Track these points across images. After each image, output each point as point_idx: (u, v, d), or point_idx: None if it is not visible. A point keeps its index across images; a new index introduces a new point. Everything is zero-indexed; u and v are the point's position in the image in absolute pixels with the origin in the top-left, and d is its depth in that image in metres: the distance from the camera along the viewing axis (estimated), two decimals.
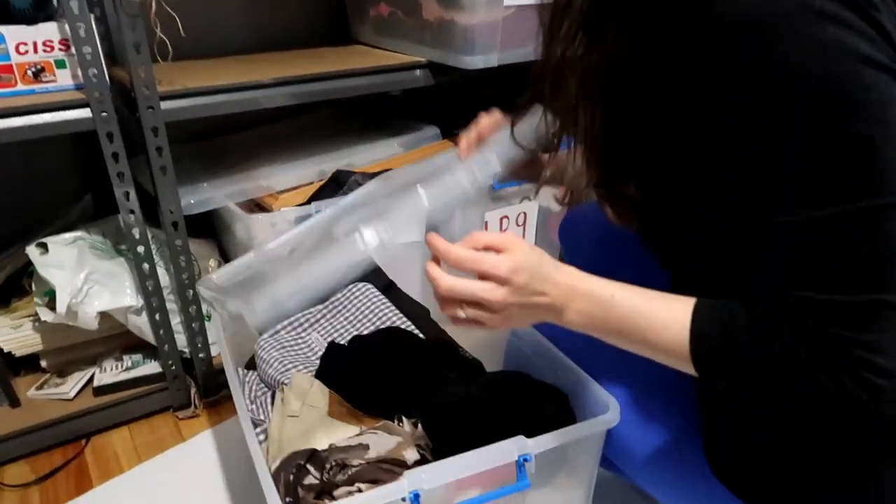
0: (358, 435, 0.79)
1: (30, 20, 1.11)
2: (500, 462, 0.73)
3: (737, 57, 0.50)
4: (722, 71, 0.52)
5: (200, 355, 1.38)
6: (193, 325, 1.35)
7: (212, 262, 1.50)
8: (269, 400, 0.94)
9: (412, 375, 0.90)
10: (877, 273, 0.50)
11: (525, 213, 1.62)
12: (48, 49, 1.13)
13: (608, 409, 0.79)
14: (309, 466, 0.73)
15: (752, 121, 0.52)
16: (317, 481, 0.72)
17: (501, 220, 1.59)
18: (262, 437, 0.85)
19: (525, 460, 0.74)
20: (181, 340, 1.38)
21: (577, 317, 0.64)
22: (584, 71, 0.60)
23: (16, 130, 1.08)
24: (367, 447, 0.76)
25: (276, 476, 0.72)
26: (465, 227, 1.57)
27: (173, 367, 1.36)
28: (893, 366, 0.50)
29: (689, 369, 0.59)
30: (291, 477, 0.71)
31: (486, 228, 1.59)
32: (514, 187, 1.57)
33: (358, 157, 1.51)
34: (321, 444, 0.79)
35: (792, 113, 0.50)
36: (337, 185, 1.39)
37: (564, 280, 0.64)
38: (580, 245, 1.10)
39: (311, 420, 0.83)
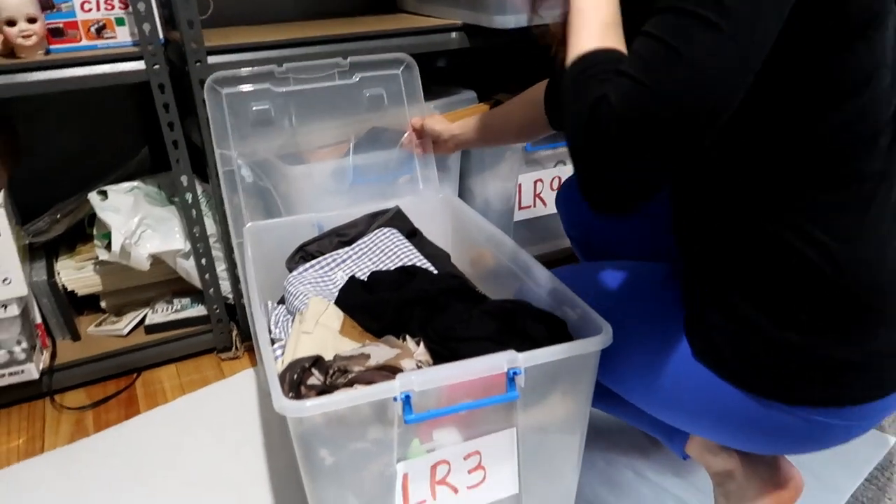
0: (361, 346, 0.85)
1: None
2: (490, 372, 0.77)
3: None
4: None
5: (242, 300, 1.47)
6: (236, 271, 1.44)
7: None
8: (290, 324, 1.01)
9: (421, 302, 0.95)
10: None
11: (559, 177, 1.64)
12: (109, 7, 1.23)
13: (601, 331, 0.82)
14: (313, 370, 0.79)
15: None
16: (319, 383, 0.78)
17: (535, 182, 1.62)
18: (279, 352, 0.92)
19: (515, 373, 0.78)
20: (225, 287, 1.48)
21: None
22: None
23: (79, 79, 1.19)
24: (368, 356, 0.81)
25: (281, 376, 0.78)
26: (497, 191, 1.61)
27: (217, 311, 1.46)
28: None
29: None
30: (296, 377, 0.78)
31: (520, 192, 1.62)
32: (549, 150, 1.60)
33: (387, 118, 1.56)
34: (329, 357, 0.85)
35: None
36: (372, 141, 1.45)
37: None
38: (579, 213, 1.14)
39: (323, 337, 0.89)
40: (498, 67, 1.85)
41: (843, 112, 0.64)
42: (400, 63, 1.35)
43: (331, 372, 0.79)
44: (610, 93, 0.58)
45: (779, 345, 0.72)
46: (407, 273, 1.05)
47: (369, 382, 0.76)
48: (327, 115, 1.37)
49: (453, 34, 1.45)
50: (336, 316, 0.93)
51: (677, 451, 1.00)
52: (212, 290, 1.44)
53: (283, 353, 0.91)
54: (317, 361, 0.80)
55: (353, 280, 1.05)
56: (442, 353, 0.85)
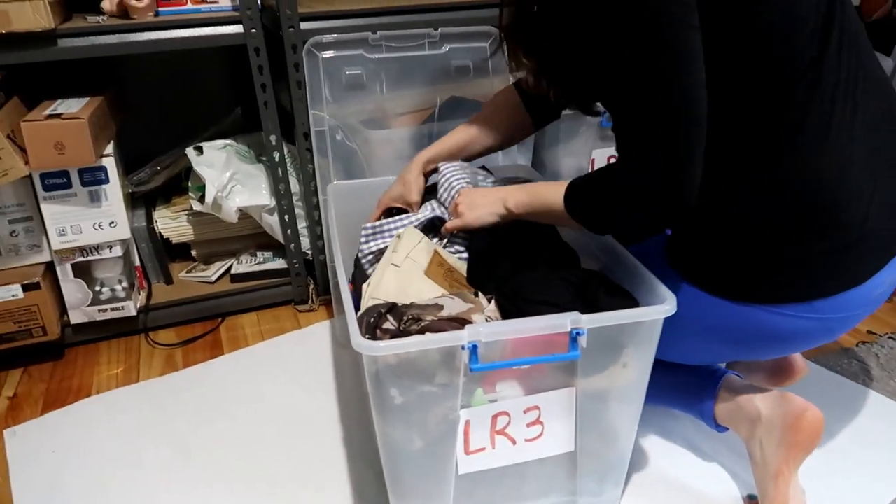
0: (437, 297, 0.90)
1: None
2: (553, 330, 0.81)
3: None
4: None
5: (320, 257, 1.55)
6: (317, 229, 1.52)
7: None
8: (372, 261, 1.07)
9: (508, 253, 0.98)
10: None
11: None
12: None
13: (665, 301, 0.84)
14: (388, 315, 0.85)
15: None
16: (393, 328, 0.84)
17: (608, 158, 1.63)
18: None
19: (578, 334, 0.81)
20: (305, 243, 1.56)
21: (515, 199, 0.94)
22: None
23: (183, 40, 1.28)
24: (441, 307, 0.87)
25: (359, 319, 0.84)
26: (570, 166, 1.63)
27: (296, 265, 1.55)
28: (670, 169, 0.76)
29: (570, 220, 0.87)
30: (372, 320, 0.84)
31: (593, 166, 1.63)
32: None
33: (470, 88, 1.59)
34: (409, 299, 0.90)
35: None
36: (454, 109, 1.49)
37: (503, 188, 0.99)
38: None
39: (408, 274, 0.94)
40: None
41: (767, 60, 0.77)
42: (488, 36, 1.38)
43: (405, 318, 0.85)
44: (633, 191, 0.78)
45: (740, 246, 0.84)
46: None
47: (440, 331, 0.82)
48: (414, 82, 1.42)
49: None
50: (426, 251, 0.98)
51: (710, 424, 1.03)
52: (292, 246, 1.52)
53: (369, 279, 0.97)
54: (392, 308, 0.86)
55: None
56: (511, 311, 0.90)
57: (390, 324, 0.84)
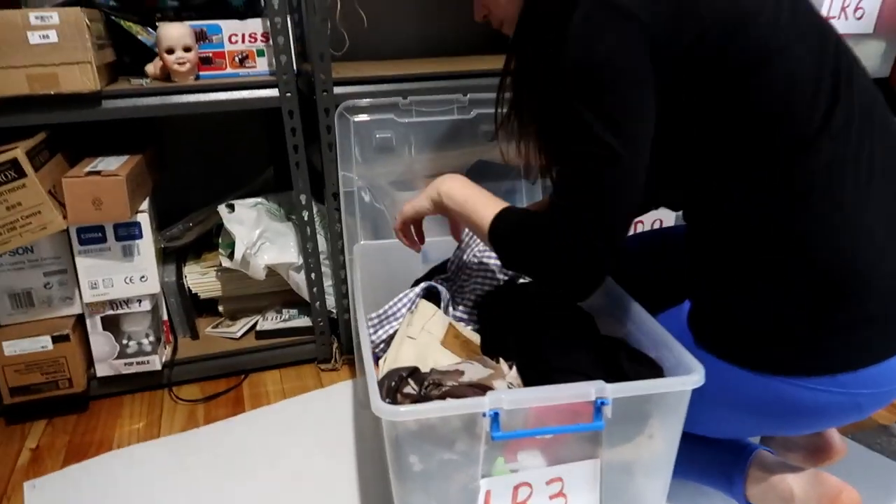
0: (457, 363, 0.89)
1: (241, 15, 1.36)
2: (577, 399, 0.79)
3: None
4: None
5: (345, 316, 1.55)
6: (342, 288, 1.53)
7: None
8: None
9: (526, 321, 0.98)
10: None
11: (661, 220, 1.64)
12: (252, 40, 1.37)
13: (692, 371, 0.82)
14: (409, 380, 0.84)
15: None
16: (414, 392, 0.83)
17: (636, 224, 1.63)
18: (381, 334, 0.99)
19: (602, 403, 0.79)
20: (330, 302, 1.57)
21: (449, 186, 0.97)
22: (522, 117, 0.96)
23: (222, 103, 1.32)
24: (462, 373, 0.86)
25: (380, 382, 0.84)
26: None
27: (321, 323, 1.55)
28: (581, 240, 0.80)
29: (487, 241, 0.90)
30: (393, 384, 0.83)
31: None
32: None
33: (498, 152, 1.62)
34: (427, 368, 0.90)
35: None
36: (481, 172, 1.51)
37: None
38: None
39: (425, 345, 0.94)
40: None
41: (769, 130, 0.79)
42: None
43: (426, 383, 0.84)
44: (554, 239, 0.81)
45: (760, 318, 0.83)
46: (519, 288, 1.08)
47: (461, 397, 0.81)
48: (443, 145, 1.45)
49: None
50: (441, 323, 0.99)
51: (741, 502, 0.99)
52: (318, 304, 1.53)
53: (386, 352, 0.97)
54: (413, 372, 0.86)
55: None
56: (533, 378, 0.88)
57: (411, 388, 0.84)
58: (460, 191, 0.97)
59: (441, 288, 1.07)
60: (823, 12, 1.51)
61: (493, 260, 1.15)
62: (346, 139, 1.36)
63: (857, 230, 0.79)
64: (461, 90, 1.42)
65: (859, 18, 1.53)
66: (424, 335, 0.95)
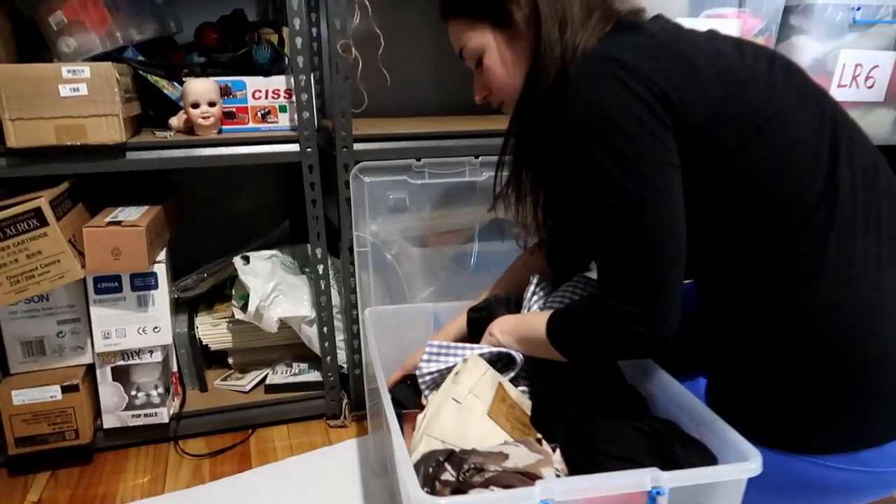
0: (501, 444, 0.85)
1: (266, 72, 1.39)
2: (632, 488, 0.75)
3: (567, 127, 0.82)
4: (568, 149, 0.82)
5: (356, 371, 1.54)
6: (354, 342, 1.51)
7: None
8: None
9: (573, 396, 0.94)
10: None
11: None
12: (276, 96, 1.40)
13: (749, 458, 0.78)
14: (447, 464, 0.79)
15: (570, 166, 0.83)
16: (452, 478, 0.78)
17: None
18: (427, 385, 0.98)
19: (658, 493, 0.75)
20: (341, 357, 1.55)
21: (500, 329, 0.99)
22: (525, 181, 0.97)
23: (244, 157, 1.34)
24: (506, 456, 0.81)
25: (416, 467, 0.79)
26: None
27: (332, 379, 1.53)
28: (640, 316, 0.79)
29: (552, 350, 0.90)
30: (431, 470, 0.78)
31: None
32: None
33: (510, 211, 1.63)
34: (468, 443, 0.85)
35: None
36: (489, 230, 1.52)
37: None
38: None
39: (469, 412, 0.89)
40: None
41: (768, 210, 0.78)
42: None
43: (465, 468, 0.80)
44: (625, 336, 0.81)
45: (775, 395, 0.81)
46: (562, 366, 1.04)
47: (507, 486, 0.76)
48: (455, 204, 1.46)
49: None
50: (491, 385, 0.94)
51: None
52: (329, 358, 1.52)
53: (425, 411, 0.94)
54: (450, 456, 0.82)
55: None
56: (580, 464, 0.85)
57: (449, 474, 0.79)
58: (510, 324, 0.99)
59: (519, 358, 1.01)
60: (835, 81, 1.54)
61: None
62: (360, 200, 1.36)
63: (868, 299, 0.77)
64: (474, 149, 1.43)
65: (870, 87, 1.56)
66: (471, 399, 0.91)
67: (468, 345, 1.03)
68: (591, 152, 0.78)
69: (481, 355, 1.00)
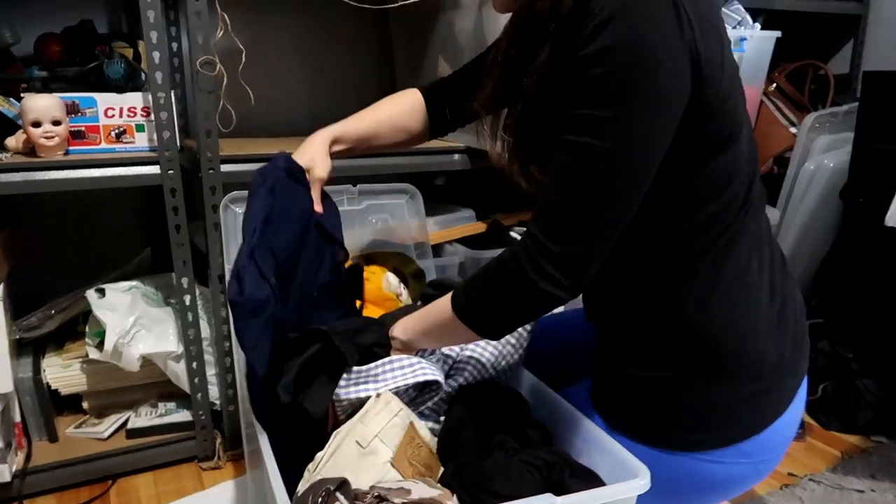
0: (402, 481, 0.80)
1: (120, 89, 1.28)
2: None
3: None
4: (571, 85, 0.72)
5: (230, 407, 1.44)
6: (227, 376, 1.42)
7: None
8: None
9: (476, 428, 0.91)
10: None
11: None
12: (132, 114, 1.29)
13: (637, 475, 0.78)
14: (338, 494, 0.74)
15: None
16: None
17: None
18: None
19: None
20: (213, 392, 1.45)
21: (401, 330, 0.91)
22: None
23: (94, 180, 1.23)
24: (408, 491, 0.77)
25: (303, 497, 0.72)
26: None
27: (203, 417, 1.42)
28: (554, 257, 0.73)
29: (463, 328, 0.82)
30: (320, 500, 0.73)
31: None
32: None
33: (396, 234, 1.60)
34: (364, 484, 0.79)
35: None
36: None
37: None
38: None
39: (373, 459, 0.82)
40: (496, 188, 1.92)
41: (704, 211, 0.77)
42: (405, 193, 1.39)
43: (366, 498, 0.75)
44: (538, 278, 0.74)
45: (661, 395, 0.84)
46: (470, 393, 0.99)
47: None
48: None
49: (456, 156, 1.52)
50: (401, 428, 0.86)
51: None
52: (199, 395, 1.41)
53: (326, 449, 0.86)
54: (342, 485, 0.76)
55: None
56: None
57: None
58: (412, 321, 0.90)
59: (446, 387, 0.94)
60: None
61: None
62: (232, 231, 1.27)
63: (752, 307, 0.82)
64: (353, 178, 1.38)
65: None
66: (376, 444, 0.85)
67: (399, 359, 0.93)
68: (608, 87, 0.69)
69: (397, 391, 0.91)
